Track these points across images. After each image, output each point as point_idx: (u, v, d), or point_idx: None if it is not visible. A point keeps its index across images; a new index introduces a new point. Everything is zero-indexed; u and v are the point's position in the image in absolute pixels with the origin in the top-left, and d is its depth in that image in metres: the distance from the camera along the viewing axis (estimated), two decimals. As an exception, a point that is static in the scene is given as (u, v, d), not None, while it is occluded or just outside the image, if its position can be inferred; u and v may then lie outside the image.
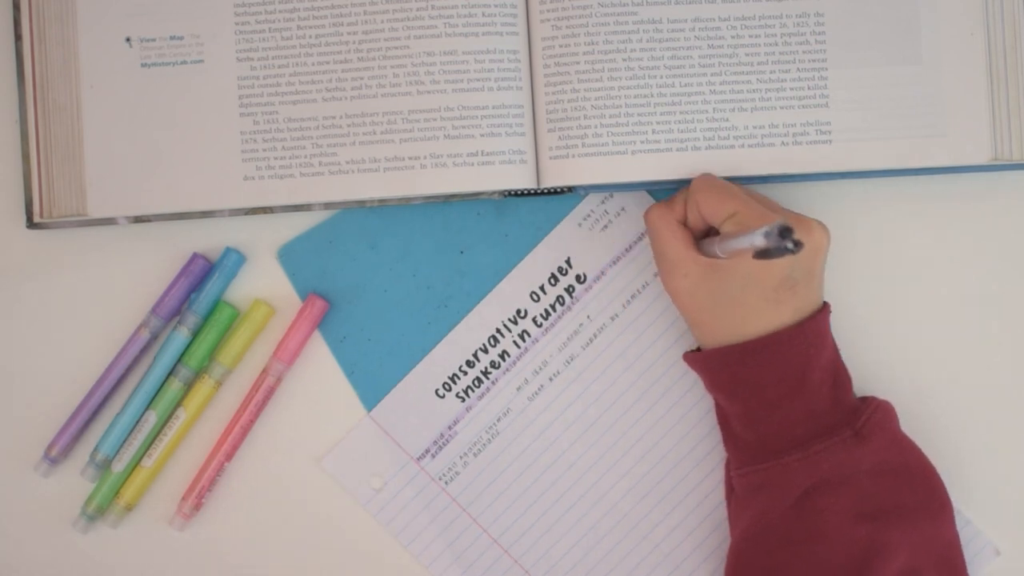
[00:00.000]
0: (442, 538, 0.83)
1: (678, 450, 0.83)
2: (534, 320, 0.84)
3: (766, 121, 0.81)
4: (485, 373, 0.84)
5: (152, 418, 0.81)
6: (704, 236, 0.77)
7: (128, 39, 0.80)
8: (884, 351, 0.83)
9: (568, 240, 0.83)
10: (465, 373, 0.84)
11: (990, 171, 0.82)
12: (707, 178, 0.77)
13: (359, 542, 0.83)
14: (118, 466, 0.81)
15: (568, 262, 0.84)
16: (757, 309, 0.74)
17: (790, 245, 0.60)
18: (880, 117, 0.81)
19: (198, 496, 0.82)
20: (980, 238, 0.84)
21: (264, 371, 0.82)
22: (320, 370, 0.83)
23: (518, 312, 0.84)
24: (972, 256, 0.84)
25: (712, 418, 0.83)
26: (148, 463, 0.82)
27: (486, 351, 0.84)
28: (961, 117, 0.81)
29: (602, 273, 0.84)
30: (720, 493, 0.83)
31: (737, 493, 0.77)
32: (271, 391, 0.82)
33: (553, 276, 0.84)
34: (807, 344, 0.74)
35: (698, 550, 0.83)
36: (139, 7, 0.80)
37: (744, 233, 0.66)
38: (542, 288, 0.84)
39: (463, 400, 0.84)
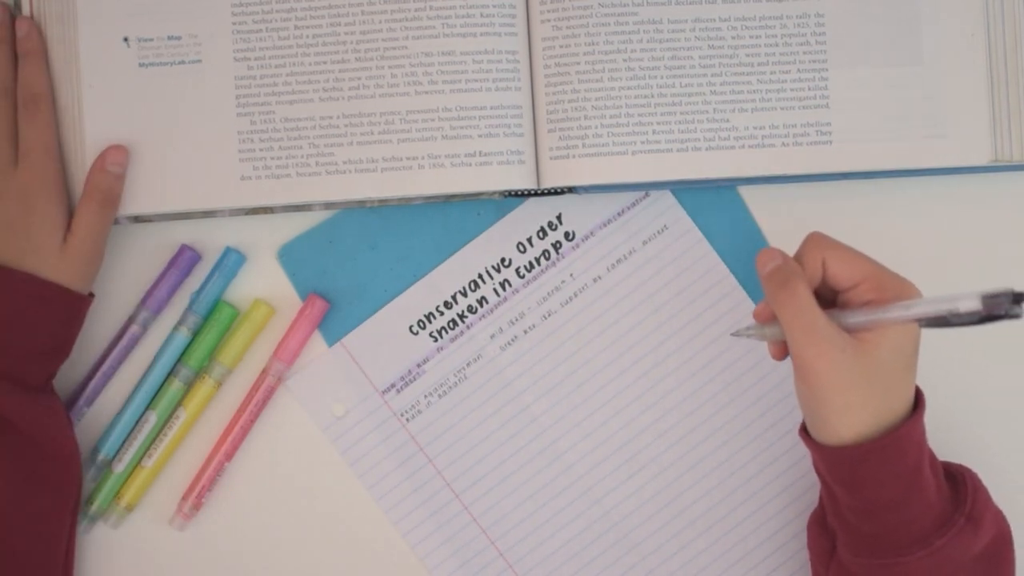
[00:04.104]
0: (397, 473, 0.83)
1: (641, 420, 0.83)
2: (517, 271, 0.83)
3: (766, 122, 0.80)
4: (461, 316, 0.83)
5: (152, 418, 0.81)
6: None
7: (126, 39, 0.80)
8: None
9: (562, 195, 0.82)
10: (442, 313, 0.83)
11: (990, 172, 0.82)
12: (825, 236, 0.70)
13: (359, 539, 0.83)
14: (118, 466, 0.81)
15: (559, 218, 0.83)
16: (902, 384, 0.69)
17: (1018, 310, 0.57)
18: (880, 118, 0.81)
19: (198, 496, 0.82)
20: (980, 239, 0.84)
21: (264, 371, 0.82)
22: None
23: (502, 260, 0.83)
24: (972, 257, 0.84)
25: (689, 392, 0.83)
26: (148, 463, 0.82)
27: (465, 295, 0.83)
28: (961, 118, 0.81)
29: (591, 234, 0.84)
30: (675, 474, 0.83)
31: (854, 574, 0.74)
32: (271, 391, 0.82)
33: (542, 229, 0.83)
34: (922, 434, 0.70)
35: (650, 520, 0.83)
36: (138, 7, 0.80)
37: (927, 300, 0.65)
38: (530, 240, 0.83)
39: (436, 340, 0.83)
